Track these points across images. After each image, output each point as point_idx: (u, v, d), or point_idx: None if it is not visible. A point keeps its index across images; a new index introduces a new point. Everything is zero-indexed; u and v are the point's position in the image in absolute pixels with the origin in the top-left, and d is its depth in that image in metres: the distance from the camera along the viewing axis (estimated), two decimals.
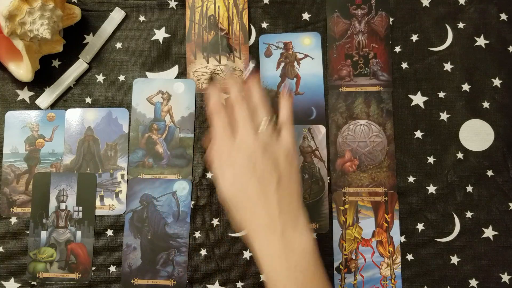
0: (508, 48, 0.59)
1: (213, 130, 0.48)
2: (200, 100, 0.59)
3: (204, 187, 0.57)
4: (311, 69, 0.59)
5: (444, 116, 0.58)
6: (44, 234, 0.57)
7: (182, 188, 0.57)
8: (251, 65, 0.52)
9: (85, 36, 0.60)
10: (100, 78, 0.59)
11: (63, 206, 0.57)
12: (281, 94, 0.50)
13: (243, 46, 0.59)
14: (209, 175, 0.58)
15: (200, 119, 0.59)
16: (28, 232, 0.57)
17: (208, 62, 0.59)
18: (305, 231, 0.45)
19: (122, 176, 0.57)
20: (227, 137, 0.46)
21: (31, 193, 0.57)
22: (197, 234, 0.57)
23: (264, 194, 0.45)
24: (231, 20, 0.59)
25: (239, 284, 0.56)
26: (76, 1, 0.61)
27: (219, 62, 0.58)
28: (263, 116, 0.47)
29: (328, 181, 0.57)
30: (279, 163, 0.46)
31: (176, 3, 0.60)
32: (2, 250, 0.57)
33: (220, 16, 0.59)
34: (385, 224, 0.56)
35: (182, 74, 0.59)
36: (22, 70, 0.55)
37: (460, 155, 0.58)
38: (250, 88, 0.49)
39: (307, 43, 0.59)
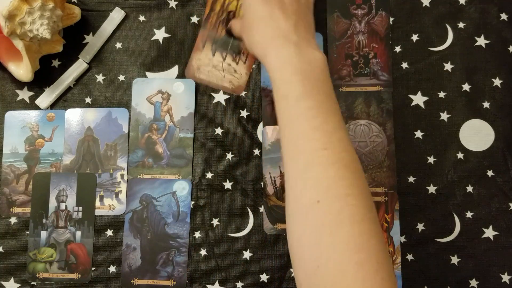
0: (508, 48, 0.59)
1: None
2: (200, 100, 0.59)
3: (204, 187, 0.57)
4: None
5: (444, 116, 0.58)
6: (44, 234, 0.56)
7: (182, 188, 0.57)
8: None
9: (85, 36, 0.60)
10: (100, 78, 0.59)
11: (62, 206, 0.57)
12: None
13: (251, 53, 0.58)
14: (209, 175, 0.58)
15: (200, 119, 0.59)
16: (28, 232, 0.57)
17: (213, 55, 0.58)
18: (318, 50, 0.46)
19: (122, 176, 0.57)
20: None
21: (31, 193, 0.57)
22: (197, 234, 0.57)
23: (285, 12, 0.47)
24: None
25: (239, 284, 0.56)
26: (76, 1, 0.60)
27: (224, 60, 0.58)
28: None
29: None
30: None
31: (176, 2, 0.60)
32: (2, 250, 0.57)
33: (240, 15, 0.59)
34: (385, 224, 0.56)
35: (182, 74, 0.59)
36: (22, 70, 0.55)
37: (460, 155, 0.57)
38: None
39: None
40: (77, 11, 0.58)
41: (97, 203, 0.57)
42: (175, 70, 0.59)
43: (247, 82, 0.56)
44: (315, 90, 0.43)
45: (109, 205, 0.57)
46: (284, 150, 0.43)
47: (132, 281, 0.56)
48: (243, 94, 0.59)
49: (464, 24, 0.59)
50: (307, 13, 0.49)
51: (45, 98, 0.58)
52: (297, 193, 0.41)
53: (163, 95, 0.59)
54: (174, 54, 0.60)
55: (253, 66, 0.59)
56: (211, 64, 0.56)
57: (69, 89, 0.59)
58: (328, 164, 0.40)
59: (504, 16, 0.59)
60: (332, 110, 0.43)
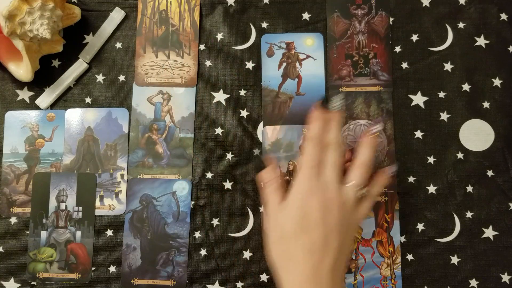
0: (508, 48, 0.59)
1: (301, 161, 0.47)
2: (201, 100, 0.59)
3: (204, 187, 0.57)
4: (312, 70, 0.59)
5: (444, 116, 0.58)
6: (44, 234, 0.56)
7: (182, 188, 0.57)
8: (379, 127, 0.55)
9: (85, 36, 0.60)
10: (100, 78, 0.59)
11: (63, 206, 0.57)
12: (381, 172, 0.50)
13: (193, 42, 0.59)
14: (209, 175, 0.58)
15: (200, 119, 0.59)
16: (28, 232, 0.57)
17: (157, 57, 0.59)
18: None
19: (122, 176, 0.57)
20: (311, 176, 0.46)
21: (31, 193, 0.57)
22: (197, 234, 0.57)
23: (321, 252, 0.43)
24: (182, 16, 0.59)
25: (239, 284, 0.56)
26: (76, 1, 0.60)
27: (168, 57, 0.58)
28: (356, 178, 0.47)
29: None
30: (348, 229, 0.45)
31: None
32: (2, 250, 0.57)
33: (172, 11, 0.60)
34: (385, 224, 0.56)
35: None
36: (22, 70, 0.55)
37: (460, 155, 0.58)
38: (362, 145, 0.49)
39: (309, 44, 0.59)
40: (77, 11, 0.58)
41: (97, 203, 0.57)
42: None
43: (198, 71, 0.57)
44: None
45: (109, 205, 0.57)
46: None
47: (132, 281, 0.56)
48: (243, 93, 0.59)
49: (464, 24, 0.59)
50: (343, 260, 0.45)
51: (45, 98, 0.58)
52: None
53: (164, 96, 0.59)
54: None
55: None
56: (157, 66, 0.57)
57: (69, 89, 0.59)
58: None
59: (504, 16, 0.59)
60: None
